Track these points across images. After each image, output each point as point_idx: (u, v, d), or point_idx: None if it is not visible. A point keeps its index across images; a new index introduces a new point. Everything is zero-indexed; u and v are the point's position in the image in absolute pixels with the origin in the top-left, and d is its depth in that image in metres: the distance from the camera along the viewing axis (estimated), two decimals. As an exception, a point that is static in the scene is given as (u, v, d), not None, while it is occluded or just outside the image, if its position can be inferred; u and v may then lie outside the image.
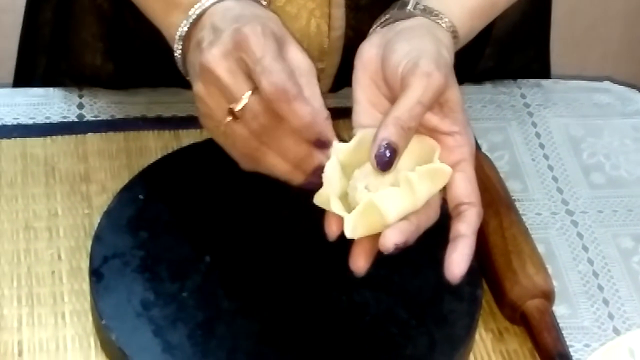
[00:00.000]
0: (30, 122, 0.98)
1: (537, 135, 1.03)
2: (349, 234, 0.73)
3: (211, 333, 0.80)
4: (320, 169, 0.75)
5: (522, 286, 0.84)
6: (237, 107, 0.75)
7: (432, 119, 0.76)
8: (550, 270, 0.87)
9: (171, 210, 0.87)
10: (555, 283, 0.86)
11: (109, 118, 0.99)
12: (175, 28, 0.79)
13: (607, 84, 1.08)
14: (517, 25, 1.05)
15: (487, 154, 0.97)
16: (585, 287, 0.90)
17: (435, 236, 0.88)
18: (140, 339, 0.79)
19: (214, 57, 0.75)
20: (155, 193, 0.88)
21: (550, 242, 0.93)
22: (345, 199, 0.75)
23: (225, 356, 0.79)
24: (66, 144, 0.96)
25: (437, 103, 0.76)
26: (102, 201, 0.90)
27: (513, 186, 0.95)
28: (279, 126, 0.75)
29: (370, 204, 0.72)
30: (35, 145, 0.95)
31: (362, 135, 0.76)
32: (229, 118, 0.75)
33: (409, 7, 0.80)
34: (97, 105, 1.00)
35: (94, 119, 0.99)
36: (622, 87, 1.08)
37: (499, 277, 0.86)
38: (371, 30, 0.82)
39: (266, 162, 0.77)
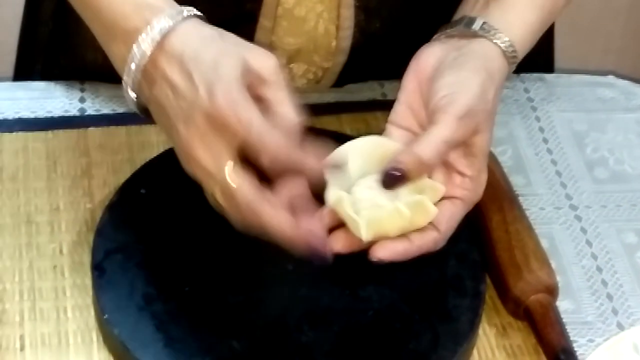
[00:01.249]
0: (32, 116, 0.97)
1: (541, 129, 1.03)
2: (363, 235, 0.76)
3: (213, 327, 0.79)
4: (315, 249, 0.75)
5: (526, 281, 0.84)
6: (217, 190, 0.74)
7: (452, 153, 0.78)
8: (553, 265, 0.87)
9: (173, 205, 0.87)
10: (558, 278, 0.86)
11: (111, 112, 0.99)
12: (123, 60, 0.75)
13: (611, 78, 1.08)
14: None
15: (491, 148, 0.96)
16: (589, 282, 0.90)
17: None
18: (142, 334, 0.79)
19: (186, 141, 0.73)
20: (157, 187, 0.88)
21: (554, 237, 0.93)
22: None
23: (227, 351, 0.78)
24: (68, 138, 0.95)
25: (465, 141, 0.77)
26: (104, 195, 0.90)
27: (516, 181, 0.95)
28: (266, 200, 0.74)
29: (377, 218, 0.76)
30: (37, 139, 0.95)
31: (366, 143, 0.79)
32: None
33: (475, 26, 0.81)
34: (99, 100, 0.99)
35: (95, 113, 0.98)
36: (626, 82, 1.08)
37: (503, 272, 0.85)
38: (436, 36, 0.83)
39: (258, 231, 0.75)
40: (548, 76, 1.08)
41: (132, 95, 0.77)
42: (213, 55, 0.74)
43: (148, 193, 0.87)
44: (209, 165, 0.73)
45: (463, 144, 0.78)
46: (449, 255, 0.86)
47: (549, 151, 1.01)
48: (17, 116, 0.97)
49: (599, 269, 0.91)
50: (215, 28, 0.77)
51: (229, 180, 0.73)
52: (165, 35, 0.75)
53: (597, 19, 1.89)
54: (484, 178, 0.79)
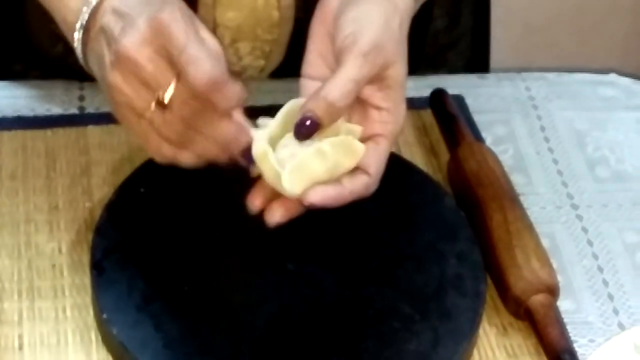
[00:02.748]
0: (31, 114, 0.97)
1: (542, 128, 1.02)
2: (288, 187, 0.75)
3: (213, 327, 0.79)
4: (248, 149, 0.75)
5: (527, 281, 0.84)
6: (165, 96, 0.73)
7: (367, 89, 0.77)
8: (554, 265, 0.86)
9: (172, 204, 0.86)
10: (559, 278, 0.86)
11: (110, 110, 0.98)
12: (74, 15, 0.77)
13: (612, 76, 1.08)
14: None
15: (492, 147, 0.96)
16: (590, 281, 0.90)
17: (439, 231, 0.88)
18: (141, 333, 0.78)
19: (133, 45, 0.73)
20: (156, 187, 0.87)
21: (555, 236, 0.93)
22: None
23: (227, 350, 0.78)
24: (67, 136, 0.95)
25: (377, 75, 0.76)
26: (103, 194, 0.90)
27: (517, 180, 0.95)
28: (207, 110, 0.74)
29: (301, 163, 0.74)
30: (36, 137, 0.95)
31: (289, 107, 0.77)
32: (154, 106, 0.74)
33: None
34: (98, 98, 0.99)
35: (95, 111, 0.98)
36: (627, 80, 1.08)
37: (503, 271, 0.85)
38: None
39: (194, 147, 0.76)
40: (549, 75, 1.08)
41: (79, 39, 0.78)
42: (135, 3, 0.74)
43: (147, 192, 0.87)
44: (136, 96, 0.74)
45: (376, 79, 0.76)
46: (450, 255, 0.86)
47: (550, 150, 1.00)
48: (16, 114, 0.97)
49: (600, 269, 0.91)
50: None
51: (165, 97, 0.73)
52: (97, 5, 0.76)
53: (599, 18, 1.88)
54: (402, 109, 0.78)
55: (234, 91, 0.74)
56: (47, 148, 0.94)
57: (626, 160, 1.00)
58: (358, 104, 0.78)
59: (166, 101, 0.74)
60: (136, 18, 0.73)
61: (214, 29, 0.92)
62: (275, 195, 0.77)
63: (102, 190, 0.91)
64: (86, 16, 0.77)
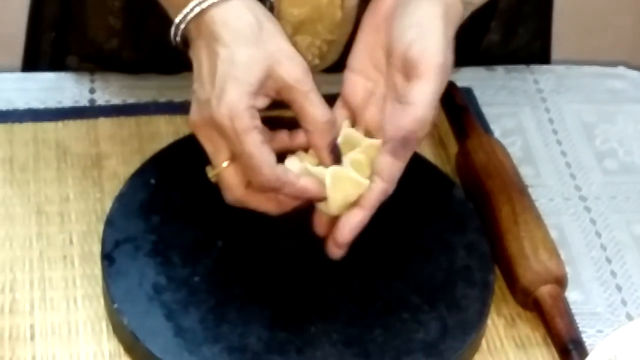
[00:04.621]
0: (42, 106, 0.98)
1: (550, 121, 1.02)
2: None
3: (223, 317, 0.80)
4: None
5: (535, 272, 0.84)
6: (211, 175, 0.79)
7: (398, 78, 0.79)
8: (563, 256, 0.87)
9: (182, 195, 0.87)
10: (568, 269, 0.86)
11: (121, 103, 0.99)
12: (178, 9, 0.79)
13: (621, 69, 1.08)
14: None
15: (500, 139, 0.96)
16: (598, 273, 0.90)
17: (447, 222, 0.88)
18: (152, 323, 0.79)
19: (194, 124, 0.78)
20: (166, 178, 0.88)
21: (563, 227, 0.93)
22: None
23: (236, 340, 0.78)
24: (78, 128, 0.96)
25: (412, 68, 0.78)
26: (113, 186, 0.90)
27: (526, 172, 0.95)
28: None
29: (340, 174, 0.78)
30: (47, 129, 0.95)
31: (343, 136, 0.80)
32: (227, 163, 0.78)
33: None
34: (109, 90, 0.99)
35: (105, 103, 0.98)
36: (636, 73, 1.08)
37: (512, 262, 0.85)
38: None
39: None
40: (558, 67, 1.08)
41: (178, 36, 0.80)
42: (240, 60, 0.76)
43: (158, 183, 0.88)
44: (210, 152, 0.79)
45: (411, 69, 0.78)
46: (458, 246, 0.86)
47: (559, 142, 1.01)
48: (27, 107, 0.97)
49: (608, 260, 0.91)
50: (260, 12, 0.79)
51: (222, 176, 0.79)
52: (208, 8, 0.78)
53: (608, 10, 1.88)
54: (434, 103, 0.79)
55: (296, 190, 0.78)
56: (58, 140, 0.95)
57: (634, 152, 1.00)
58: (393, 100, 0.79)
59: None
60: (208, 100, 0.76)
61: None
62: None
63: (112, 181, 0.91)
64: (189, 16, 0.78)
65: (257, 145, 0.76)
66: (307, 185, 0.78)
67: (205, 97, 0.77)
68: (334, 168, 0.79)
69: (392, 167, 0.78)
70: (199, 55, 0.78)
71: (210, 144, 0.78)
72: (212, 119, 0.77)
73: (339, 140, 0.80)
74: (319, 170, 0.79)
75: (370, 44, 0.81)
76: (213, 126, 0.77)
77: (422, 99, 0.78)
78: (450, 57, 0.79)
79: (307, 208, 0.81)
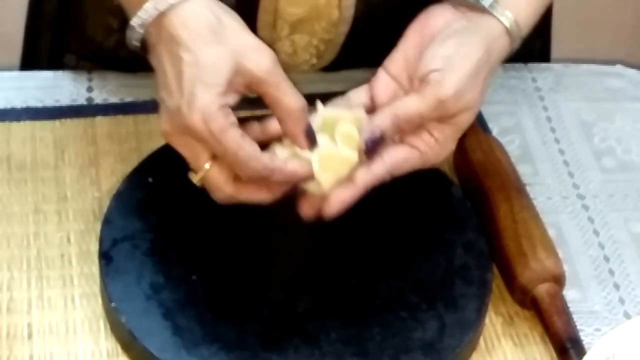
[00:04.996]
0: (40, 105, 0.98)
1: (548, 119, 1.02)
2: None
3: (221, 316, 0.80)
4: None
5: (533, 270, 0.84)
6: (196, 180, 0.78)
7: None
8: (560, 255, 0.87)
9: (180, 194, 0.87)
10: (565, 267, 0.86)
11: (118, 101, 0.99)
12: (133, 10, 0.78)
13: (619, 67, 1.08)
14: None
15: (498, 138, 0.96)
16: (596, 271, 0.90)
17: (445, 221, 0.88)
18: (149, 322, 0.79)
19: (167, 133, 0.77)
20: (164, 176, 0.88)
21: (561, 226, 0.93)
22: None
23: (234, 339, 0.78)
24: (75, 127, 0.95)
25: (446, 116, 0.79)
26: (111, 184, 0.90)
27: (524, 170, 0.95)
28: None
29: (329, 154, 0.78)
30: (45, 128, 0.95)
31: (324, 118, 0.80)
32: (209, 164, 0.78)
33: (486, 3, 0.81)
34: (107, 89, 0.99)
35: (103, 102, 0.98)
36: (634, 71, 1.07)
37: (510, 261, 0.85)
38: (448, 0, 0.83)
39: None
40: (556, 66, 1.08)
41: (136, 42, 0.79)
42: (205, 59, 0.76)
43: (155, 182, 0.87)
44: (189, 158, 0.78)
45: (444, 116, 0.79)
46: (456, 245, 0.86)
47: (557, 141, 1.00)
48: (24, 105, 0.97)
49: (606, 259, 0.91)
50: (219, 9, 0.78)
51: (208, 178, 0.78)
52: (166, 11, 0.77)
53: (606, 8, 1.88)
54: (450, 147, 0.81)
55: (283, 174, 0.78)
56: (56, 138, 0.94)
57: (632, 150, 1.00)
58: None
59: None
60: (179, 107, 0.75)
61: (274, 20, 0.93)
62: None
63: (110, 180, 0.91)
64: (148, 20, 0.77)
65: (238, 140, 0.75)
66: (295, 168, 0.78)
67: (175, 105, 0.76)
68: (321, 149, 0.78)
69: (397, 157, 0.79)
70: (162, 62, 0.77)
71: (187, 150, 0.77)
72: (186, 127, 0.76)
73: (317, 122, 0.79)
74: (308, 153, 0.78)
75: (409, 55, 0.81)
76: (187, 133, 0.76)
77: (405, 104, 0.78)
78: (470, 96, 0.79)
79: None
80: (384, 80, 0.82)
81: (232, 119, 0.76)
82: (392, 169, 0.79)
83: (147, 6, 0.77)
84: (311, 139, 0.78)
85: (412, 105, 0.78)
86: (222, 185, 0.78)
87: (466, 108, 0.80)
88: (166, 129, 0.77)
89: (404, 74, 0.82)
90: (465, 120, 0.80)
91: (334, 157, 0.78)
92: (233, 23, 0.78)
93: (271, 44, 0.95)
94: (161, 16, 0.77)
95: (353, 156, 0.78)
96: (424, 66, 0.79)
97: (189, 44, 0.76)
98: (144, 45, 0.79)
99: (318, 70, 1.01)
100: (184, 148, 0.78)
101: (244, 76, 0.76)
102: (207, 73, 0.75)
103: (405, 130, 0.79)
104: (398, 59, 0.82)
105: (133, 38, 0.79)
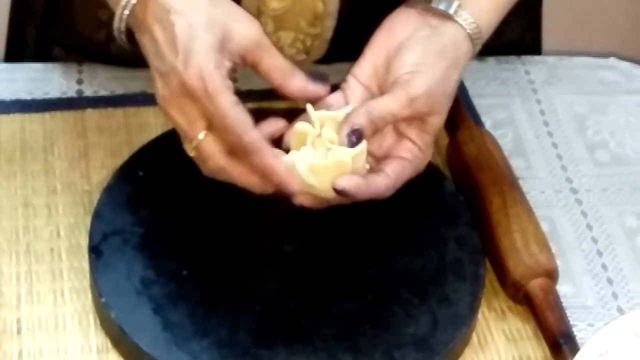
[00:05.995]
0: (29, 97, 0.97)
1: (542, 112, 1.02)
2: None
3: (212, 311, 0.79)
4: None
5: (526, 265, 0.84)
6: (189, 149, 0.78)
7: (403, 125, 0.81)
8: (554, 249, 0.86)
9: (171, 187, 0.86)
10: (558, 262, 0.86)
11: (109, 94, 0.98)
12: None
13: (612, 60, 1.07)
14: None
15: (491, 131, 0.96)
16: (589, 266, 0.90)
17: (438, 215, 0.87)
18: (140, 317, 0.78)
19: (163, 99, 0.76)
20: (155, 170, 0.87)
21: (554, 220, 0.92)
22: None
23: (226, 334, 0.78)
24: (65, 120, 0.95)
25: (417, 118, 0.80)
26: (101, 178, 0.90)
27: (517, 164, 0.94)
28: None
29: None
30: (34, 121, 0.94)
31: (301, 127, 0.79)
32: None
33: (451, 10, 0.82)
34: (97, 81, 0.99)
35: (93, 95, 0.98)
36: (627, 64, 1.07)
37: (502, 255, 0.85)
38: (413, 2, 0.84)
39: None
40: (549, 58, 1.07)
41: (122, 27, 0.79)
42: (198, 21, 0.76)
43: (146, 175, 0.87)
44: (184, 126, 0.77)
45: (416, 119, 0.80)
46: (449, 239, 0.85)
47: (550, 134, 1.00)
48: (14, 97, 0.97)
49: (599, 253, 0.91)
50: None
51: (201, 147, 0.77)
52: None
53: (599, 1, 1.88)
54: (430, 152, 0.83)
55: (269, 165, 0.76)
56: (45, 131, 0.94)
57: (626, 144, 1.00)
58: (394, 131, 0.82)
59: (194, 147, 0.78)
60: (173, 66, 0.75)
61: (257, 17, 0.92)
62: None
63: (100, 173, 0.90)
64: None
65: (231, 104, 0.75)
66: (278, 167, 0.76)
67: (169, 67, 0.75)
68: (309, 161, 0.77)
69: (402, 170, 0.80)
70: (152, 33, 0.76)
71: (183, 117, 0.76)
72: (182, 85, 0.75)
73: (291, 137, 0.79)
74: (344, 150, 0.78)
75: (377, 63, 0.82)
76: (183, 93, 0.75)
77: (379, 103, 0.79)
78: (440, 98, 0.80)
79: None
80: (355, 88, 0.82)
81: (228, 82, 0.76)
82: (397, 180, 0.80)
83: None
84: (322, 81, 0.78)
85: (385, 104, 0.79)
86: (215, 155, 0.77)
87: (437, 111, 0.81)
88: (162, 94, 0.76)
89: (374, 82, 0.82)
90: (437, 123, 0.82)
91: (329, 167, 0.78)
92: None
93: None
94: None
95: (347, 159, 0.78)
96: (393, 72, 0.80)
97: (179, 9, 0.76)
98: (131, 35, 0.79)
99: (311, 62, 1.00)
100: (180, 114, 0.76)
101: (236, 42, 0.76)
102: (201, 30, 0.75)
103: (380, 129, 0.80)
104: (366, 67, 0.82)
105: (121, 26, 0.78)
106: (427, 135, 0.81)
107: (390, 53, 0.81)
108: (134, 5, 0.77)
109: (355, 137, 0.78)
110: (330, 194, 0.78)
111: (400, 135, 0.81)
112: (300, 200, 0.79)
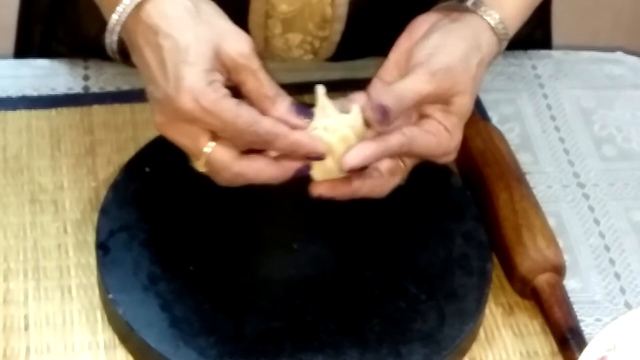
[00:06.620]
0: (35, 94, 0.97)
1: (548, 107, 1.02)
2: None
3: (218, 307, 0.79)
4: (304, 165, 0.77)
5: (533, 260, 0.84)
6: (200, 165, 0.77)
7: (429, 109, 0.79)
8: (561, 244, 0.86)
9: (177, 184, 0.86)
10: (566, 257, 0.85)
11: (115, 90, 0.98)
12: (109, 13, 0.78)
13: (619, 54, 1.07)
14: None
15: (498, 126, 0.96)
16: (596, 261, 0.90)
17: (444, 210, 0.87)
18: (147, 313, 0.78)
19: (162, 125, 0.76)
20: (161, 166, 0.87)
21: (561, 215, 0.92)
22: None
23: (232, 330, 0.78)
24: (72, 116, 0.95)
25: (442, 97, 0.79)
26: (108, 174, 0.90)
27: (524, 159, 0.94)
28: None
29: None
30: (41, 117, 0.94)
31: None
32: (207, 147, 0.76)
33: (468, 2, 0.82)
34: (103, 77, 0.99)
35: (99, 91, 0.98)
36: (634, 58, 1.07)
37: (510, 251, 0.85)
38: (433, 8, 0.84)
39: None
40: (556, 53, 1.07)
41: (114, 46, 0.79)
42: (186, 43, 0.75)
43: (152, 171, 0.87)
44: (188, 145, 0.77)
45: (441, 100, 0.79)
46: (456, 235, 0.85)
47: (557, 129, 1.00)
48: (20, 94, 0.97)
49: (607, 248, 0.90)
50: None
51: (212, 159, 0.76)
52: (143, 2, 0.76)
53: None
54: (457, 136, 0.81)
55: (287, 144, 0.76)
56: (52, 128, 0.94)
57: (633, 138, 1.00)
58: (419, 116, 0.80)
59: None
60: (166, 94, 0.74)
61: (265, 20, 0.92)
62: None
63: (107, 170, 0.90)
64: (122, 18, 0.77)
65: (234, 109, 0.74)
66: (301, 138, 0.76)
67: (162, 94, 0.75)
68: (340, 131, 0.77)
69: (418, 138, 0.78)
70: (144, 55, 0.76)
71: (185, 137, 0.76)
72: (177, 111, 0.74)
73: (318, 104, 0.78)
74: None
75: (401, 63, 0.81)
76: (180, 118, 0.75)
77: (402, 84, 0.78)
78: (461, 77, 0.79)
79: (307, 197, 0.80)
80: (378, 88, 0.81)
81: (224, 90, 0.75)
82: (412, 141, 0.78)
83: (125, 0, 0.76)
84: (305, 114, 0.77)
85: (407, 82, 0.78)
86: (229, 163, 0.76)
87: (461, 90, 0.79)
88: (159, 121, 0.76)
89: (398, 79, 0.81)
90: (464, 105, 0.80)
91: (329, 143, 0.77)
92: (210, 8, 0.78)
93: (264, 42, 0.94)
94: (139, 9, 0.76)
95: (347, 132, 0.77)
96: (414, 59, 0.80)
97: (167, 30, 0.75)
98: (124, 50, 0.79)
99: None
100: (181, 136, 0.76)
101: (223, 61, 0.76)
102: (190, 54, 0.75)
103: (405, 108, 0.78)
104: (390, 68, 0.82)
105: (112, 40, 0.78)
106: (453, 116, 0.79)
107: (411, 49, 0.81)
108: (127, 20, 0.77)
109: (380, 113, 0.76)
110: (344, 171, 0.77)
111: (425, 116, 0.80)
112: (319, 191, 0.78)
